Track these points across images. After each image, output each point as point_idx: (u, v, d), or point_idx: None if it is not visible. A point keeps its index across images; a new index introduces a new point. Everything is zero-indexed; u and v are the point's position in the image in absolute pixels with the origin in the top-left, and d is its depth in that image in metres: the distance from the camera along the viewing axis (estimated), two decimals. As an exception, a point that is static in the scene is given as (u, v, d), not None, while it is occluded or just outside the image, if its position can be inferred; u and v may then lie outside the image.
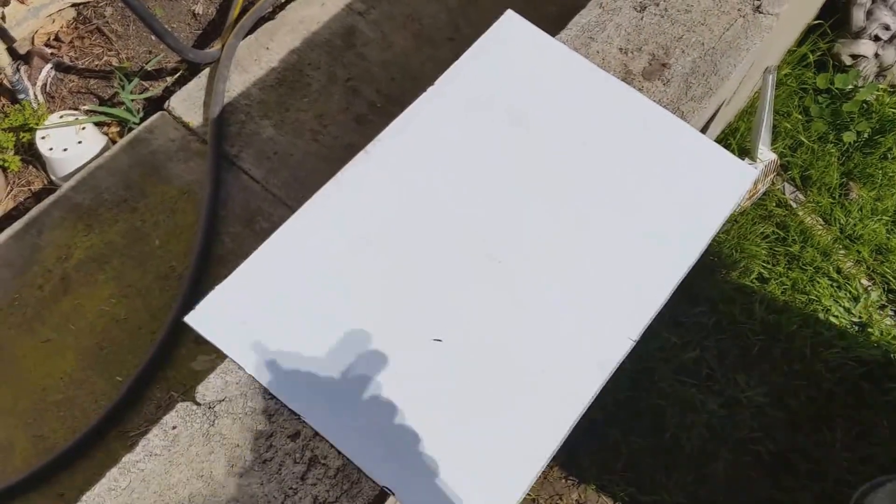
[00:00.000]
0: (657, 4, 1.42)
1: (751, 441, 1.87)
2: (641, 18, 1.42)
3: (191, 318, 1.14)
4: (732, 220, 2.11)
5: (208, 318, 1.15)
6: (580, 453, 1.82)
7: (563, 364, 1.18)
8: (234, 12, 1.99)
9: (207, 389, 1.10)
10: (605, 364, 1.19)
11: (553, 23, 1.44)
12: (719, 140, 2.17)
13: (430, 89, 1.38)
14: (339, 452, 1.07)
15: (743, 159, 2.02)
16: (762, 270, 2.07)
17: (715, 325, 1.98)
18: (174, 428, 1.07)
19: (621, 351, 1.20)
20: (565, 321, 1.21)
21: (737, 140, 2.18)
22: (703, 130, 1.56)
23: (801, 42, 2.37)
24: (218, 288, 1.18)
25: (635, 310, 1.24)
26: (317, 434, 1.08)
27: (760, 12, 1.42)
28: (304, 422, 1.08)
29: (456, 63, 1.41)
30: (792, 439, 1.89)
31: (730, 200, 1.34)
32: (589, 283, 1.23)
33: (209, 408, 1.08)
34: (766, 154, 1.98)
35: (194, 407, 1.08)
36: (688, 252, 1.29)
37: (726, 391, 1.91)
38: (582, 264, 1.24)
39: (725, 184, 1.34)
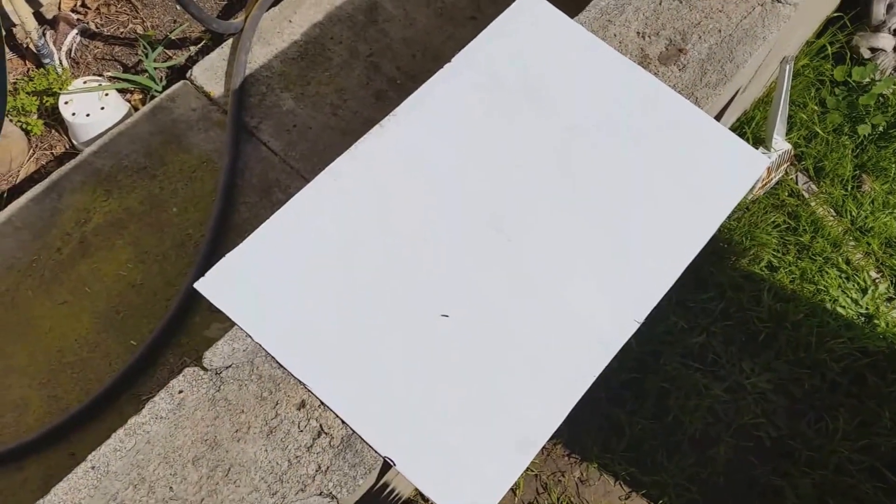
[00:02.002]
0: (676, -10, 1.42)
1: (753, 427, 1.89)
2: (660, 3, 1.42)
3: (201, 285, 1.17)
4: (744, 207, 2.11)
5: (218, 285, 1.17)
6: (583, 432, 1.85)
7: (568, 343, 1.19)
8: (258, -16, 2.00)
9: (215, 355, 1.12)
10: (609, 345, 1.20)
11: (574, 4, 1.44)
12: (735, 128, 2.16)
13: (446, 66, 1.39)
14: (344, 423, 1.10)
15: (757, 148, 2.02)
16: (772, 259, 2.08)
17: (722, 311, 1.99)
18: (181, 392, 1.10)
19: (626, 333, 1.22)
20: (572, 301, 1.22)
21: (752, 129, 2.17)
22: (718, 117, 1.56)
23: (820, 34, 2.35)
24: (229, 256, 1.20)
25: (642, 293, 1.25)
26: (322, 404, 1.10)
27: (779, 2, 1.41)
28: (310, 391, 1.11)
29: (474, 41, 1.41)
30: (794, 426, 1.90)
31: (741, 188, 1.35)
32: (596, 264, 1.25)
33: (216, 373, 1.11)
34: (780, 144, 1.98)
35: (201, 372, 1.11)
36: (696, 237, 1.30)
37: (731, 377, 1.93)
38: (590, 245, 1.25)
39: (737, 171, 1.34)
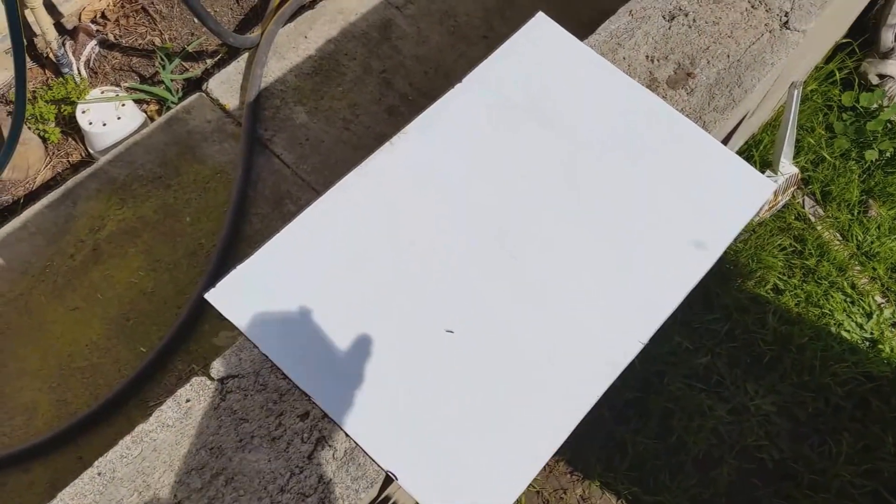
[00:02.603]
0: (686, 14, 1.44)
1: (756, 449, 1.89)
2: (669, 28, 1.43)
3: (211, 295, 1.19)
4: (750, 230, 2.12)
5: (228, 295, 1.19)
6: (586, 449, 1.85)
7: (572, 362, 1.21)
8: (276, 0, 2.04)
9: (222, 365, 1.14)
10: (614, 364, 1.21)
11: (586, 27, 1.46)
12: (742, 151, 2.18)
13: (458, 85, 1.42)
14: (347, 435, 1.11)
15: (764, 171, 2.03)
16: (777, 282, 2.08)
17: (728, 333, 1.99)
18: (187, 401, 1.12)
19: (631, 353, 1.23)
20: (577, 320, 1.23)
21: (759, 152, 2.18)
22: (726, 141, 1.57)
23: (828, 59, 2.37)
24: (239, 267, 1.22)
25: (647, 313, 1.26)
26: (325, 416, 1.12)
27: (788, 28, 1.43)
28: (313, 403, 1.12)
29: (485, 61, 1.44)
30: (797, 449, 1.90)
31: (747, 211, 1.36)
32: (602, 284, 1.26)
33: (222, 383, 1.13)
34: (787, 167, 1.99)
35: (208, 381, 1.13)
36: (703, 259, 1.31)
37: (735, 398, 1.93)
38: (596, 265, 1.27)
39: (744, 194, 1.36)
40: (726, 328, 1.99)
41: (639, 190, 1.32)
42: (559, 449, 1.14)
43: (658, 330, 1.24)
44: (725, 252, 1.35)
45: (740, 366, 1.97)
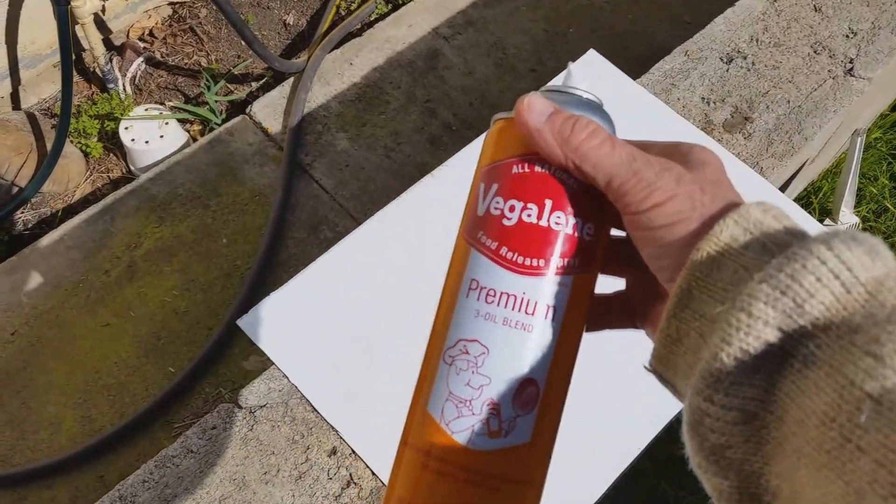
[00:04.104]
0: (745, 58, 1.40)
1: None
2: (727, 70, 1.39)
3: (243, 322, 1.16)
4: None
5: (260, 323, 1.17)
6: (628, 503, 1.79)
7: (616, 412, 1.16)
8: (324, 26, 2.03)
9: (251, 393, 1.11)
10: (658, 417, 1.17)
11: (639, 64, 1.43)
12: (800, 198, 2.12)
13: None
14: (374, 474, 1.07)
15: (824, 220, 1.97)
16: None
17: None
18: (213, 428, 1.08)
19: (678, 405, 1.18)
20: (624, 369, 1.19)
21: (819, 199, 2.12)
22: (784, 188, 1.52)
23: (894, 107, 2.30)
24: (273, 295, 1.20)
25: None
26: (353, 453, 1.08)
27: (852, 75, 1.38)
28: (342, 439, 1.08)
29: (533, 97, 1.40)
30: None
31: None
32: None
33: (250, 412, 1.09)
34: (848, 216, 1.93)
35: (236, 409, 1.10)
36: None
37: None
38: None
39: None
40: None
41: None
42: (597, 502, 1.09)
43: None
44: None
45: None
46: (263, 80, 2.04)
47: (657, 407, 1.16)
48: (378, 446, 1.09)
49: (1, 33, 1.84)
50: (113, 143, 1.93)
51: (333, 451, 1.08)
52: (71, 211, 1.83)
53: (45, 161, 1.79)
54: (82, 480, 1.45)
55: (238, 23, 1.76)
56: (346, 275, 1.22)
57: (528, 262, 0.40)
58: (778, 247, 0.34)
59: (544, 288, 0.40)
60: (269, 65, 1.92)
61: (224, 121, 1.92)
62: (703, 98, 1.37)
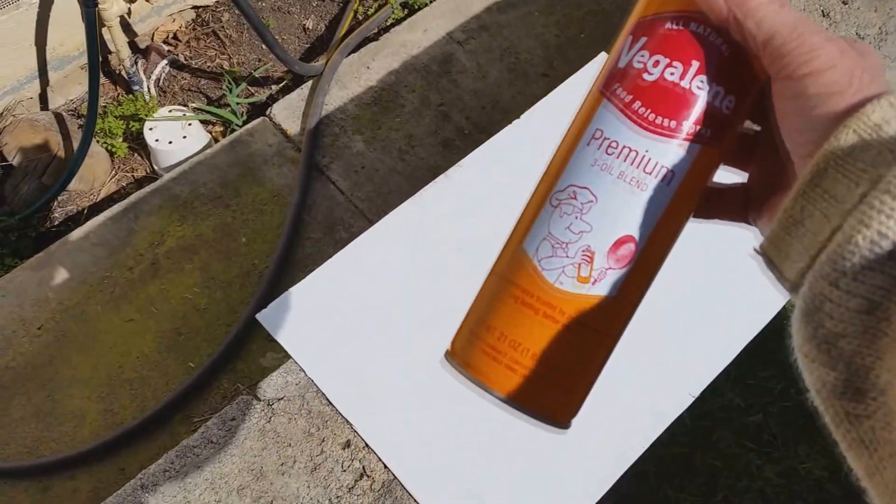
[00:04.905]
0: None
1: (804, 513, 1.83)
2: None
3: (262, 316, 1.20)
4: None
5: (278, 317, 1.21)
6: None
7: (620, 411, 1.19)
8: (342, 30, 2.08)
9: (269, 386, 1.15)
10: (661, 417, 1.19)
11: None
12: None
13: (515, 122, 1.42)
14: (386, 467, 1.11)
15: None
16: (835, 340, 2.03)
17: (782, 391, 1.94)
18: (233, 420, 1.13)
19: (680, 406, 1.20)
20: (626, 368, 1.22)
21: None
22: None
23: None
24: (291, 290, 1.24)
25: (699, 366, 1.24)
26: (367, 446, 1.12)
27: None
28: (356, 432, 1.12)
29: (544, 99, 1.44)
30: (847, 518, 1.84)
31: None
32: (655, 334, 1.24)
33: (268, 405, 1.13)
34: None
35: (254, 402, 1.14)
36: (760, 314, 1.28)
37: (785, 460, 1.87)
38: (650, 314, 1.25)
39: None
40: (780, 386, 1.94)
41: (697, 242, 1.30)
42: (599, 502, 1.12)
43: (710, 384, 1.22)
44: (784, 307, 1.32)
45: (793, 426, 1.92)
46: (283, 83, 2.09)
47: (659, 409, 1.19)
48: (390, 440, 1.12)
49: (30, 35, 1.89)
50: (137, 143, 1.98)
51: (347, 444, 1.12)
52: (96, 209, 1.89)
53: (71, 160, 1.84)
54: (104, 473, 1.49)
55: (259, 26, 1.81)
56: (363, 271, 1.25)
57: (659, 120, 0.40)
58: None
59: (669, 151, 0.40)
60: (288, 68, 1.97)
61: (245, 122, 1.97)
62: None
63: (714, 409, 1.89)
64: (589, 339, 0.43)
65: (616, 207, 0.40)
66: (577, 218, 0.41)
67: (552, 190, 0.43)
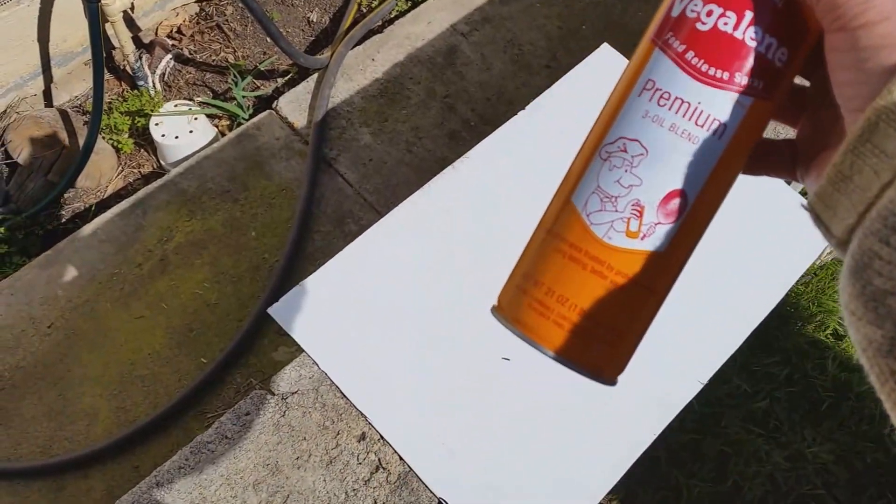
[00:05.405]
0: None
1: (813, 498, 1.84)
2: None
3: (273, 310, 1.21)
4: (812, 272, 2.08)
5: (290, 311, 1.21)
6: (640, 491, 1.82)
7: (630, 399, 1.19)
8: (346, 23, 2.07)
9: (282, 380, 1.16)
10: (671, 404, 1.20)
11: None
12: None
13: (520, 113, 1.42)
14: (402, 459, 1.11)
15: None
16: (837, 327, 2.03)
17: (787, 377, 1.95)
18: (247, 414, 1.13)
19: (689, 393, 1.21)
20: (636, 356, 1.22)
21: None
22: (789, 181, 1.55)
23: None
24: (302, 283, 1.24)
25: (707, 353, 1.24)
26: (382, 438, 1.12)
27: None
28: (371, 424, 1.13)
29: (548, 90, 1.44)
30: (855, 501, 1.85)
31: (811, 252, 1.34)
32: (663, 323, 1.24)
33: (282, 399, 1.14)
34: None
35: (268, 396, 1.14)
36: (765, 301, 1.29)
37: (792, 444, 1.88)
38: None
39: (806, 237, 1.34)
40: (785, 372, 1.95)
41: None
42: (612, 489, 1.13)
43: (717, 370, 1.23)
44: (787, 294, 1.32)
45: (798, 411, 1.93)
46: (289, 76, 2.08)
47: (670, 395, 1.20)
48: (406, 432, 1.13)
49: (33, 31, 1.89)
50: (143, 138, 1.98)
51: (362, 437, 1.13)
52: (104, 206, 1.89)
53: (77, 157, 1.84)
54: (117, 470, 1.50)
55: (264, 19, 1.81)
56: (373, 263, 1.26)
57: (712, 71, 0.39)
58: None
59: (721, 102, 0.39)
60: (294, 61, 1.96)
61: (251, 116, 1.97)
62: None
63: (722, 395, 1.90)
64: (637, 294, 0.43)
65: (667, 161, 0.40)
66: (626, 171, 0.40)
67: (602, 142, 0.42)
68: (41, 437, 1.52)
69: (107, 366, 1.58)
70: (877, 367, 0.32)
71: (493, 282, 1.27)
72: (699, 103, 0.39)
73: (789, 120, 0.46)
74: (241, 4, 2.07)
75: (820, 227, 0.38)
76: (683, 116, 0.39)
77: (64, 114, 1.95)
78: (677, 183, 0.40)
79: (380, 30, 2.06)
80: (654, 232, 0.41)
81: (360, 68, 1.98)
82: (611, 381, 0.46)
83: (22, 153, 1.87)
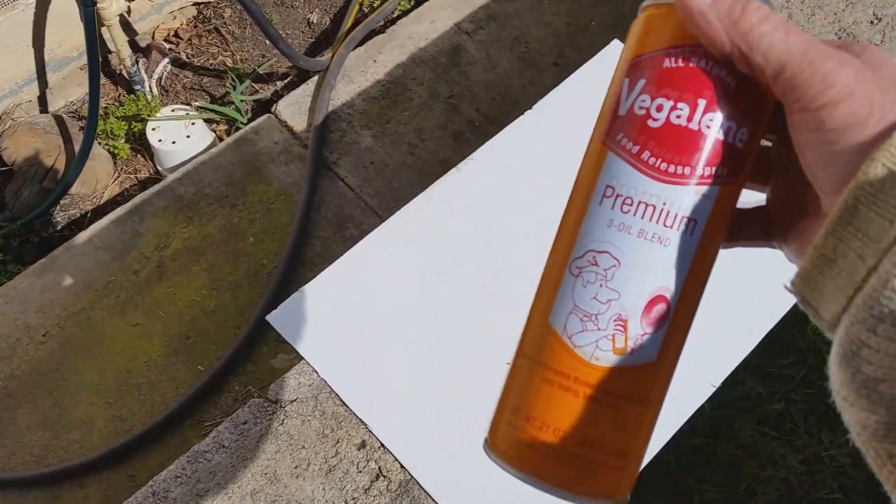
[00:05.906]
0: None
1: (829, 502, 1.79)
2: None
3: (272, 317, 1.17)
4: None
5: (289, 318, 1.17)
6: (650, 496, 1.78)
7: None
8: (347, 24, 2.04)
9: (281, 388, 1.12)
10: (682, 407, 1.16)
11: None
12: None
13: (527, 112, 1.39)
14: (402, 467, 1.07)
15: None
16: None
17: (803, 379, 1.90)
18: (245, 423, 1.09)
19: (701, 396, 1.17)
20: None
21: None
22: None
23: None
24: (301, 290, 1.21)
25: (720, 356, 1.20)
26: (382, 446, 1.08)
27: None
28: (371, 432, 1.09)
29: (556, 88, 1.40)
30: (873, 507, 1.80)
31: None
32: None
33: (280, 407, 1.10)
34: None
35: (266, 404, 1.11)
36: (780, 301, 1.25)
37: (808, 448, 1.84)
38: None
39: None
40: (802, 373, 1.90)
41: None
42: (625, 495, 1.08)
43: (731, 373, 1.19)
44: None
45: (815, 413, 1.88)
46: (288, 79, 2.05)
47: (680, 399, 1.16)
48: (406, 439, 1.09)
49: (27, 37, 1.86)
50: (140, 144, 1.95)
51: (362, 445, 1.09)
52: (100, 212, 1.86)
53: (73, 163, 1.81)
54: (114, 480, 1.46)
55: (263, 21, 1.78)
56: (374, 269, 1.22)
57: (672, 168, 0.37)
58: None
59: (687, 198, 0.37)
60: (293, 63, 1.93)
61: (250, 120, 1.94)
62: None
63: (735, 398, 1.86)
64: (636, 411, 0.41)
65: (642, 269, 0.38)
66: (601, 286, 0.38)
67: (570, 256, 0.40)
68: (36, 447, 1.49)
69: (103, 374, 1.55)
70: (872, 451, 0.32)
71: (497, 288, 1.23)
72: (664, 204, 0.37)
73: (762, 183, 0.44)
74: (239, 7, 2.04)
75: (807, 310, 0.37)
76: (651, 220, 0.38)
77: (59, 119, 1.92)
78: (657, 289, 0.38)
79: (382, 30, 2.03)
80: (642, 343, 0.39)
81: (361, 70, 1.95)
82: (623, 501, 0.44)
83: (17, 160, 1.84)
